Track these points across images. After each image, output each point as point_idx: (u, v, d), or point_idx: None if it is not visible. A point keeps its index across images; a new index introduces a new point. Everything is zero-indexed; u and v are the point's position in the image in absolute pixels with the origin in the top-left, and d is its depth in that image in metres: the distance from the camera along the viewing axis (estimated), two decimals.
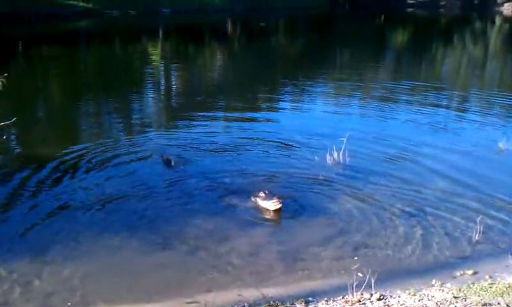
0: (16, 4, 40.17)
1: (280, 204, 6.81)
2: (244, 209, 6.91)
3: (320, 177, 7.94)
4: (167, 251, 5.90)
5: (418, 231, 6.37)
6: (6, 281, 5.26)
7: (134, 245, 5.99)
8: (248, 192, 7.36)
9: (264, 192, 7.07)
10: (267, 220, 6.68)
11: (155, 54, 27.41)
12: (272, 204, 6.84)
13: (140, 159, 8.73)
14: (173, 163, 8.40)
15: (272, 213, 6.83)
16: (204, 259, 5.76)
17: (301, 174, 8.11)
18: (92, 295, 5.10)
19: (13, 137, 9.85)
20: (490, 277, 5.39)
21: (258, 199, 7.04)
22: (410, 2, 77.14)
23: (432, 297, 4.97)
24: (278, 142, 9.89)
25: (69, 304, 4.96)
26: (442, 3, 76.68)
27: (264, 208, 6.91)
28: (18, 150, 9.34)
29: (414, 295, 5.02)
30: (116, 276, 5.43)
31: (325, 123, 11.34)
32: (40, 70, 21.08)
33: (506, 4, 73.14)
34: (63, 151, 8.95)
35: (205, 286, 5.25)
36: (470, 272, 5.51)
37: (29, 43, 29.20)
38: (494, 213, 6.84)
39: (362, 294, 4.95)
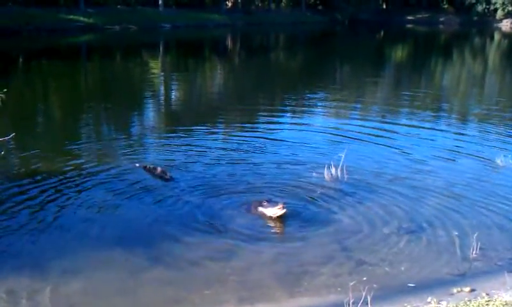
0: (16, 19, 40.45)
1: (285, 210, 6.87)
2: (239, 224, 6.88)
3: (318, 193, 7.93)
4: (161, 268, 5.87)
5: (416, 248, 6.35)
6: None
7: (128, 262, 5.97)
8: (243, 206, 7.38)
9: (266, 201, 7.17)
10: (263, 235, 6.65)
11: (155, 68, 27.55)
12: (277, 210, 6.90)
13: (136, 173, 8.70)
14: (168, 176, 8.40)
15: (275, 219, 6.89)
16: (199, 275, 5.73)
17: (298, 190, 8.09)
18: None
19: (11, 151, 9.86)
20: (487, 294, 5.35)
21: (261, 208, 7.09)
22: (409, 18, 77.69)
23: None
24: (276, 156, 9.91)
25: None
26: (441, 19, 77.22)
27: (268, 215, 6.97)
28: (14, 165, 9.31)
29: None
30: (109, 293, 5.40)
31: (323, 138, 11.34)
32: (40, 84, 21.18)
33: (505, 21, 73.66)
34: (60, 166, 8.96)
35: (200, 304, 5.21)
36: (467, 289, 5.47)
37: (30, 58, 29.38)
38: (491, 229, 6.82)
39: None
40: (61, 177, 8.43)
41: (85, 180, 8.39)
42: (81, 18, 47.46)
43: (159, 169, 8.59)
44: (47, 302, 5.19)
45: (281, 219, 6.95)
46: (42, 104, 16.76)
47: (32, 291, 5.34)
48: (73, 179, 8.40)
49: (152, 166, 8.74)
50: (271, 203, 7.12)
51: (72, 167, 8.94)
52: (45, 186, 8.04)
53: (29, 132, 11.99)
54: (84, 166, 9.05)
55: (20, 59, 28.49)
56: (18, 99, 17.01)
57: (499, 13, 75.20)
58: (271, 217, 6.96)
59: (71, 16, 46.88)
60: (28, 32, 40.47)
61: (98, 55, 33.67)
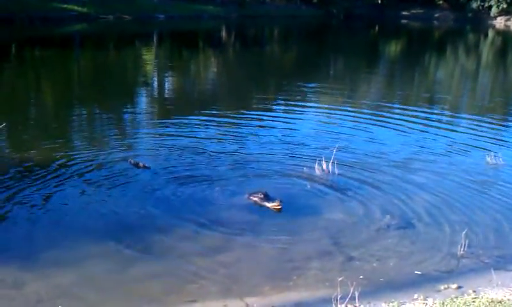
0: (10, 7, 40.07)
1: (281, 206, 7.05)
2: (229, 217, 6.91)
3: (308, 187, 7.97)
4: (150, 260, 5.89)
5: (404, 244, 6.40)
6: None
7: (119, 254, 5.97)
8: (234, 198, 7.44)
9: (263, 194, 7.25)
10: (253, 229, 6.67)
11: (149, 58, 27.45)
12: (272, 206, 7.09)
13: (126, 164, 8.70)
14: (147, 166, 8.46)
15: (268, 212, 7.05)
16: (189, 268, 5.74)
17: (288, 184, 8.14)
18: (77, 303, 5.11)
19: (1, 141, 9.83)
20: (474, 291, 5.40)
21: (257, 199, 7.23)
22: (404, 13, 77.65)
23: None
24: (268, 148, 9.97)
25: None
26: (436, 15, 77.29)
27: (265, 205, 7.14)
28: (4, 155, 9.27)
29: None
30: (99, 283, 5.42)
31: (315, 133, 11.38)
32: (33, 73, 21.03)
33: (499, 18, 73.82)
34: (50, 156, 8.93)
35: (189, 296, 5.24)
36: (454, 286, 5.52)
37: (23, 47, 29.18)
38: (479, 227, 6.87)
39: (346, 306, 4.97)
40: (50, 167, 8.41)
41: (75, 170, 8.38)
42: (75, 7, 47.07)
43: (140, 164, 8.59)
44: (37, 292, 5.20)
45: (273, 212, 7.05)
46: (34, 93, 16.66)
47: (22, 281, 5.35)
48: (62, 169, 8.38)
49: (132, 161, 8.73)
50: (268, 198, 7.20)
51: (61, 158, 8.91)
52: (35, 176, 8.02)
53: (21, 122, 11.92)
54: (74, 157, 9.02)
55: (13, 48, 28.28)
56: (10, 88, 16.94)
57: (493, 10, 75.27)
58: (266, 207, 7.12)
59: (65, 5, 46.45)
60: (21, 21, 40.10)
61: (91, 44, 33.48)
